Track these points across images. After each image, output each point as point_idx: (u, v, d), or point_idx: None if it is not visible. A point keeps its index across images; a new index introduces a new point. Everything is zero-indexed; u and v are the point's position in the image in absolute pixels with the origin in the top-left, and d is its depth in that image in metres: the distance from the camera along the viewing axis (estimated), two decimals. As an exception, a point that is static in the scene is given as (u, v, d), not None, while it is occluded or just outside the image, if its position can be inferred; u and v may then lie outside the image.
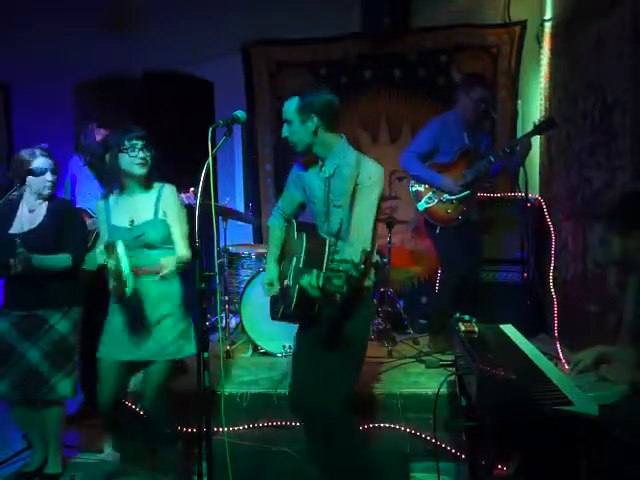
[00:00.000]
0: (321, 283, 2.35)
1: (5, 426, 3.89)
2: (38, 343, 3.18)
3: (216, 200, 4.09)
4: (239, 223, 5.28)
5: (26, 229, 3.20)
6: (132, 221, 2.97)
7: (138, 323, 2.98)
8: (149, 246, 2.96)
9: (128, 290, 2.73)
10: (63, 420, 3.39)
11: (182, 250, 2.99)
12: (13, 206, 3.27)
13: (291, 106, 2.78)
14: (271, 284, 2.98)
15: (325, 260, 2.67)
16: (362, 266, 2.33)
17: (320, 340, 2.78)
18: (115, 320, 3.05)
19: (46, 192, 3.23)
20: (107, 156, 2.96)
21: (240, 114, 2.60)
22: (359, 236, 2.66)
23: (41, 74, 5.39)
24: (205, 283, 2.34)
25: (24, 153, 3.21)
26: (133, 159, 2.93)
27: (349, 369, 2.83)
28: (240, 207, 5.79)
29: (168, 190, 3.05)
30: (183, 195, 4.26)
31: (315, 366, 2.83)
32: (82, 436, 3.81)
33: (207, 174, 2.34)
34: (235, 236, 5.26)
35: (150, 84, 5.65)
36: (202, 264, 2.33)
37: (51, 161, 3.22)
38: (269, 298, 3.07)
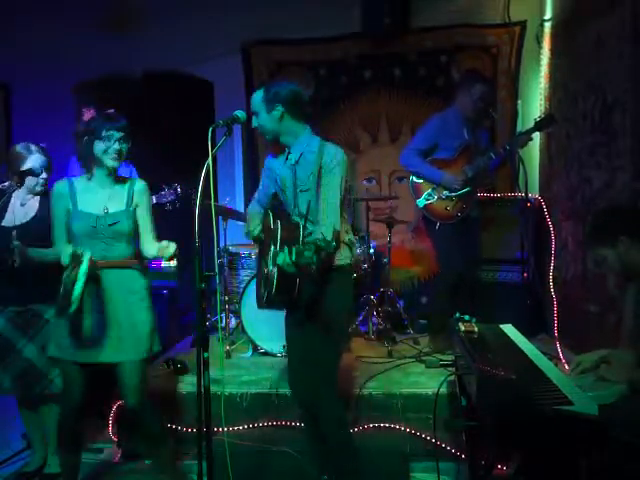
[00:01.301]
0: (294, 258, 2.44)
1: (5, 426, 3.90)
2: (35, 338, 3.19)
3: (216, 200, 4.09)
4: (239, 223, 5.28)
5: (18, 222, 3.20)
6: (106, 209, 2.92)
7: (105, 322, 2.90)
8: (119, 237, 2.91)
9: (71, 309, 2.71)
10: None
11: (150, 245, 2.96)
12: (5, 199, 3.26)
13: (257, 97, 2.91)
14: (248, 234, 3.11)
15: (299, 242, 2.77)
16: (333, 243, 2.51)
17: (301, 321, 2.88)
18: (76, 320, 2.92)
19: (38, 189, 3.25)
20: (84, 139, 2.90)
21: (240, 114, 2.62)
22: (328, 216, 2.79)
23: (41, 74, 5.39)
24: (205, 283, 2.34)
25: (19, 149, 3.21)
26: (107, 150, 2.87)
27: (330, 348, 2.90)
28: (240, 207, 5.79)
29: (140, 185, 3.03)
30: (166, 191, 4.30)
31: (300, 348, 2.94)
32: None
33: (207, 174, 2.35)
34: (235, 236, 5.25)
35: (150, 84, 5.66)
36: (202, 264, 2.33)
37: (45, 158, 3.23)
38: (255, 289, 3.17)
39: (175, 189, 4.27)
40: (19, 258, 2.96)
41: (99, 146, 2.86)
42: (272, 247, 2.85)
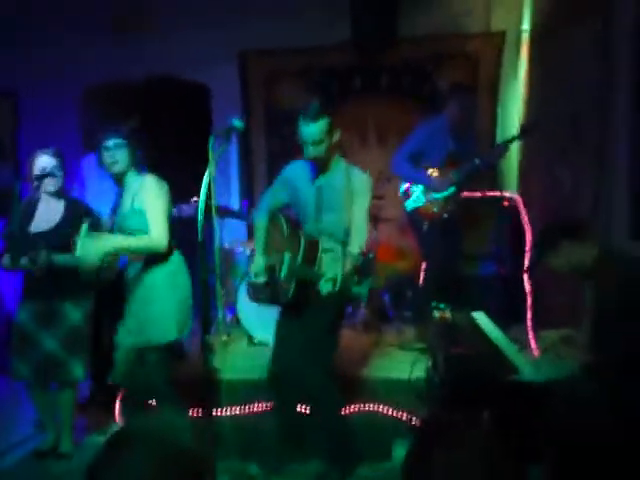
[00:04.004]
0: (337, 287, 2.76)
1: (17, 410, 4.17)
2: (55, 331, 3.46)
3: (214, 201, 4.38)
4: (233, 221, 5.56)
5: (45, 228, 3.46)
6: (117, 210, 3.26)
7: (125, 309, 3.28)
8: (129, 234, 3.20)
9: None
10: (75, 403, 3.69)
11: (152, 234, 3.16)
12: (32, 205, 3.52)
13: (322, 126, 2.97)
14: (257, 275, 3.28)
15: (317, 259, 3.03)
16: (361, 259, 2.85)
17: (308, 318, 3.14)
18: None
19: (50, 189, 3.46)
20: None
21: (237, 124, 2.80)
22: (357, 238, 3.02)
23: (47, 81, 5.64)
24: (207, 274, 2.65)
25: (32, 155, 3.48)
26: (106, 158, 3.20)
27: (333, 343, 3.24)
28: (235, 205, 6.04)
29: (147, 181, 3.23)
30: (184, 206, 4.52)
31: (302, 339, 3.16)
32: (91, 419, 4.06)
33: (209, 182, 2.63)
34: (229, 234, 5.55)
35: (149, 90, 5.88)
36: (206, 258, 2.64)
37: (55, 159, 3.45)
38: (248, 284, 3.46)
39: (195, 203, 4.51)
40: (44, 265, 3.26)
41: (102, 156, 3.21)
42: (287, 256, 3.08)
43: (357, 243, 2.98)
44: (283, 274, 3.12)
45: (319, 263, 3.03)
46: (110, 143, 3.18)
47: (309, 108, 3.00)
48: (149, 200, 3.19)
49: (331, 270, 2.93)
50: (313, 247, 3.05)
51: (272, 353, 3.38)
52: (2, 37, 5.52)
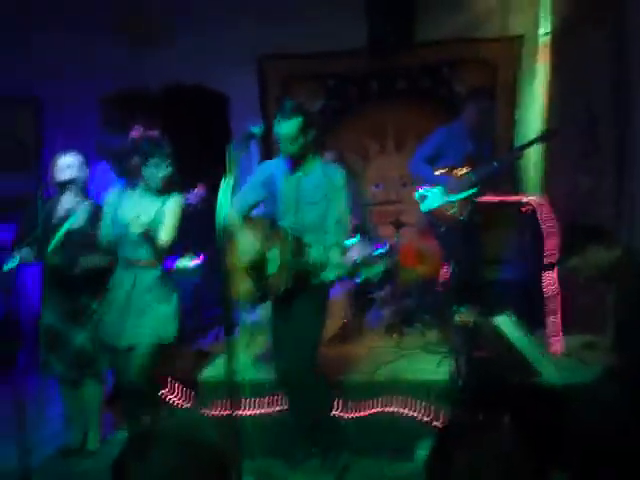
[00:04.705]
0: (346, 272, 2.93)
1: (44, 408, 4.25)
2: (85, 327, 3.56)
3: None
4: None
5: (69, 228, 3.56)
6: (138, 217, 3.31)
7: (124, 311, 3.36)
8: (143, 242, 3.33)
9: None
10: (102, 400, 3.79)
11: (161, 236, 3.34)
12: (54, 206, 3.64)
13: (295, 125, 3.06)
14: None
15: (304, 252, 3.14)
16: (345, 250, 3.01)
17: (300, 311, 3.23)
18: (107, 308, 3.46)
19: (73, 189, 3.57)
20: (136, 158, 3.34)
21: (256, 130, 2.83)
22: (343, 231, 3.20)
23: (70, 88, 5.74)
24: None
25: (53, 160, 3.61)
26: (155, 173, 3.31)
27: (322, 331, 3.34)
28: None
29: (174, 199, 3.43)
30: (190, 194, 4.58)
31: (297, 331, 3.27)
32: (116, 416, 4.09)
33: (228, 186, 2.64)
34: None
35: (168, 98, 5.95)
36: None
37: (76, 159, 3.57)
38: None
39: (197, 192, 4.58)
40: (75, 268, 3.42)
41: (148, 169, 3.29)
42: (275, 252, 3.15)
43: (342, 236, 3.18)
44: (272, 270, 3.17)
45: (305, 256, 3.15)
46: (163, 161, 3.31)
47: (283, 106, 3.12)
48: (171, 214, 3.41)
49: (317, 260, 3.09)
50: (299, 241, 3.16)
51: (275, 352, 3.48)
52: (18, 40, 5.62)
